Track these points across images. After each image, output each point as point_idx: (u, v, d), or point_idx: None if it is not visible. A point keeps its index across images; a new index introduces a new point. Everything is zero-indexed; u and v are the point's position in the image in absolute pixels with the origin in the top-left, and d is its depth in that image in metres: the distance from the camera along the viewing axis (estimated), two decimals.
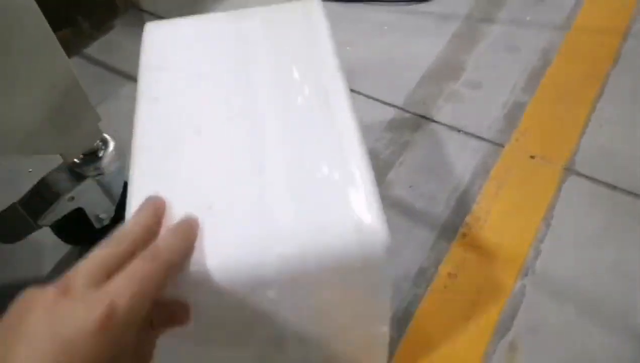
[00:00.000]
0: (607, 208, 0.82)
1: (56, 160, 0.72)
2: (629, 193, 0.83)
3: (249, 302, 0.40)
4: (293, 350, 0.48)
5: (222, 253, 0.37)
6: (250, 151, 0.44)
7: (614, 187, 0.84)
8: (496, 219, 0.81)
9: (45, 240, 0.81)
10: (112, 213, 0.78)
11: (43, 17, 0.55)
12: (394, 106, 1.00)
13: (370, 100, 1.01)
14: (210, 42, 0.55)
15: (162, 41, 0.56)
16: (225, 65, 0.52)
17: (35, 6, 0.54)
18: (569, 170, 0.87)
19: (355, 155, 0.43)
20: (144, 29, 0.58)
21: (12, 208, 0.70)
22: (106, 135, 0.72)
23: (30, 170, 0.92)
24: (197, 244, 0.36)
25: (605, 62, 1.04)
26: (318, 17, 0.57)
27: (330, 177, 0.41)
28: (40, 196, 0.70)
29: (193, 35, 0.56)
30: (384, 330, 0.49)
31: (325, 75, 0.49)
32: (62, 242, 0.81)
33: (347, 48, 1.13)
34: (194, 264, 0.36)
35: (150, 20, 1.23)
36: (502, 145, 0.91)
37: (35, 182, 0.72)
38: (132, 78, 1.11)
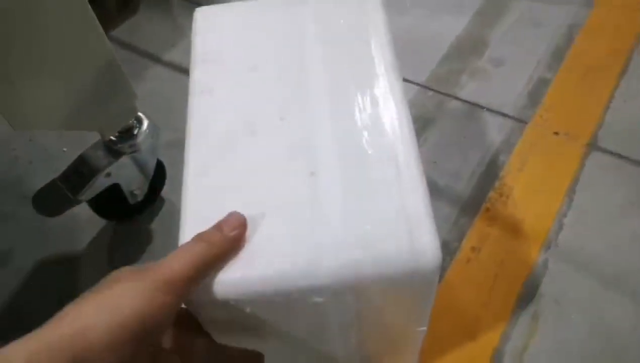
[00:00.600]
0: (631, 183, 0.82)
1: (88, 141, 0.75)
2: None
3: (293, 305, 0.40)
4: (330, 344, 0.49)
5: (272, 260, 0.38)
6: (304, 153, 0.43)
7: (637, 163, 0.84)
8: (520, 195, 0.82)
9: (80, 216, 0.85)
10: (146, 190, 0.81)
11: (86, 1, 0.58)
12: (416, 84, 1.01)
13: None
14: (263, 31, 0.54)
15: (213, 28, 0.55)
16: (279, 57, 0.51)
17: None
18: (593, 146, 0.87)
19: (410, 164, 0.42)
20: (194, 15, 0.57)
21: (52, 184, 0.73)
22: (140, 114, 0.75)
23: (65, 149, 0.96)
24: (247, 248, 0.37)
25: (630, 38, 1.03)
26: (374, 8, 0.55)
27: (384, 187, 0.40)
28: (79, 172, 0.73)
29: (245, 22, 0.55)
30: (423, 329, 0.50)
31: (380, 73, 0.48)
32: (97, 217, 0.84)
33: None
34: (243, 268, 0.37)
35: (174, 0, 1.25)
36: (525, 122, 0.92)
37: (69, 161, 0.75)
38: (157, 59, 1.14)
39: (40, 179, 0.83)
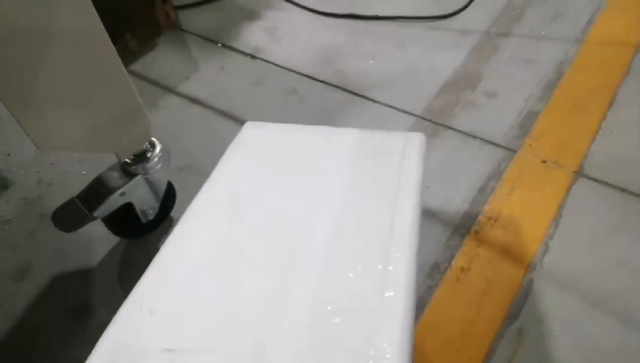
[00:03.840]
0: (616, 209, 0.86)
1: (106, 165, 0.82)
2: (637, 195, 0.87)
3: None
4: None
5: None
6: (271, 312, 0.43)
7: (622, 190, 0.88)
8: (508, 218, 0.87)
9: (95, 235, 0.91)
10: (157, 209, 0.87)
11: (109, 39, 0.65)
12: (413, 114, 1.07)
13: (391, 109, 1.09)
14: (296, 156, 0.57)
15: (252, 141, 0.60)
16: (299, 188, 0.53)
17: (103, 30, 0.64)
18: (579, 173, 0.91)
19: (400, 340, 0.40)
20: (243, 126, 0.63)
21: (71, 201, 0.80)
22: (154, 139, 0.82)
23: (84, 172, 1.03)
24: None
25: (618, 73, 1.09)
26: (412, 157, 0.57)
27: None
28: (96, 191, 0.79)
29: (283, 144, 0.59)
30: None
31: (396, 230, 0.48)
32: (110, 236, 0.90)
33: (370, 61, 1.21)
34: None
35: (189, 38, 1.35)
36: (515, 151, 0.97)
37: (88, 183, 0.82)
38: (172, 91, 1.22)
39: (60, 200, 0.90)
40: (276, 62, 1.25)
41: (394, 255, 0.46)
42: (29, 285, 0.87)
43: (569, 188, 0.90)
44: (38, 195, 1.01)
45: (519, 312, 0.75)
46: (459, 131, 1.02)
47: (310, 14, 1.38)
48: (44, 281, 0.88)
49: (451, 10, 1.30)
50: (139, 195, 0.82)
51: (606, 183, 0.90)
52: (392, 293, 0.42)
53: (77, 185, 0.83)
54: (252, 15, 1.40)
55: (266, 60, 1.26)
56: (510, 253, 0.82)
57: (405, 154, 0.56)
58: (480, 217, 0.87)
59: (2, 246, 0.93)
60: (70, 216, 0.80)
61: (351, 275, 0.44)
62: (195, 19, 1.40)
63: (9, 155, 1.10)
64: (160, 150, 0.82)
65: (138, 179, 0.80)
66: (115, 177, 0.80)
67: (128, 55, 1.31)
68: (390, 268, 0.45)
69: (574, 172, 0.92)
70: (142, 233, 0.91)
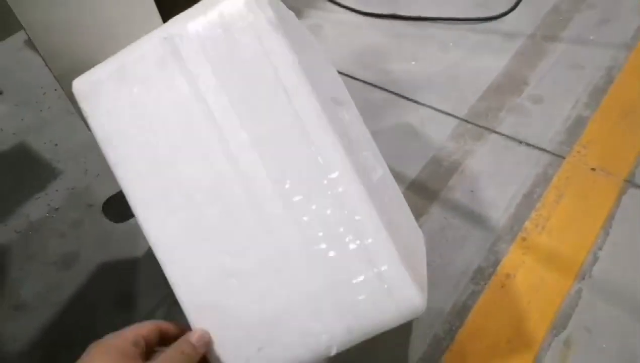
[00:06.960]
0: None
1: None
2: None
3: None
4: None
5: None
6: (251, 213, 0.45)
7: None
8: (555, 226, 0.85)
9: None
10: None
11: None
12: (456, 117, 1.06)
13: (434, 111, 1.08)
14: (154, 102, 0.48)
15: (98, 91, 0.49)
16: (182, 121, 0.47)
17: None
18: (630, 182, 0.89)
19: (370, 222, 0.43)
20: (73, 86, 0.50)
21: (121, 193, 0.81)
22: None
23: None
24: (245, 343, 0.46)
25: None
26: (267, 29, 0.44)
27: (354, 257, 0.42)
28: None
29: (121, 77, 0.48)
30: None
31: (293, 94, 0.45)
32: None
33: (412, 62, 1.20)
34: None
35: None
36: (563, 157, 0.95)
37: None
38: None
39: (107, 190, 0.92)
40: None
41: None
42: (75, 273, 0.90)
43: (619, 197, 0.87)
44: (85, 185, 1.03)
45: (566, 322, 0.74)
46: (504, 135, 1.01)
47: (353, 14, 1.38)
48: (91, 269, 0.90)
49: (495, 13, 1.28)
50: None
51: None
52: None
53: None
54: (296, 14, 1.40)
55: None
56: (557, 261, 0.80)
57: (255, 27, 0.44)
58: (526, 224, 0.86)
59: (49, 234, 0.96)
60: (120, 207, 0.82)
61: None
62: None
63: (56, 145, 1.13)
64: None
65: None
66: None
67: None
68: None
69: (625, 180, 0.90)
70: None
